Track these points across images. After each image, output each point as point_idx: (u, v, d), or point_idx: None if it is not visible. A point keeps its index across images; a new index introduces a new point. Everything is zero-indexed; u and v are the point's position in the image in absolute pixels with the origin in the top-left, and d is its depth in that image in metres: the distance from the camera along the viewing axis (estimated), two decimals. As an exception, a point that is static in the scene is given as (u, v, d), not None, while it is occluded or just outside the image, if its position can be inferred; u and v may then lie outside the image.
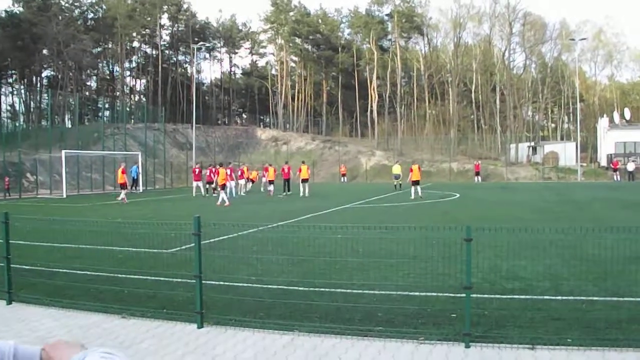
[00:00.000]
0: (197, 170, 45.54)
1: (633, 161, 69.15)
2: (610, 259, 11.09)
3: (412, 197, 36.70)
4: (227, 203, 33.40)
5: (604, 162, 77.19)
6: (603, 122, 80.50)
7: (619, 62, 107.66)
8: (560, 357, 6.60)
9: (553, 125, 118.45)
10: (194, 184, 45.56)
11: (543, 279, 10.66)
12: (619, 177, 66.18)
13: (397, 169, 50.61)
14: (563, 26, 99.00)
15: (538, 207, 28.99)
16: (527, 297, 9.47)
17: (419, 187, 37.47)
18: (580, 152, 75.30)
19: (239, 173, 46.90)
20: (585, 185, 57.10)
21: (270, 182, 44.46)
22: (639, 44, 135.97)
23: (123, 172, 38.11)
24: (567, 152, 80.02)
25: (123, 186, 37.14)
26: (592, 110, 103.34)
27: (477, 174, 69.36)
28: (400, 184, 48.82)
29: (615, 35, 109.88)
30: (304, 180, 42.07)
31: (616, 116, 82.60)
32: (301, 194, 40.21)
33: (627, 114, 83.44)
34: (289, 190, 43.64)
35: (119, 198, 36.60)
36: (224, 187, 35.06)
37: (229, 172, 40.28)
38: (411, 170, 38.44)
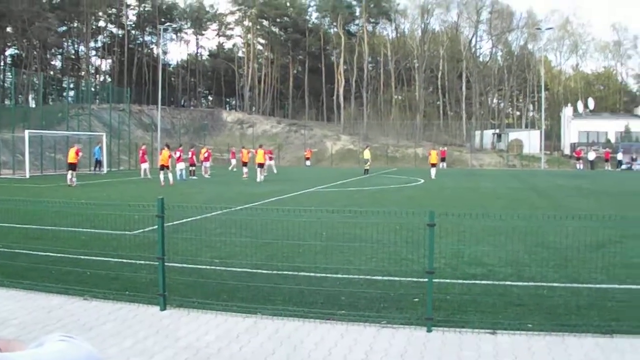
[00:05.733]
0: (141, 152, 44.96)
1: (594, 150, 70.11)
2: (571, 246, 11.24)
3: (433, 177, 43.20)
4: (162, 183, 34.21)
5: (567, 151, 78.20)
6: (567, 111, 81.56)
7: (584, 52, 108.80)
8: (521, 342, 6.67)
9: (518, 113, 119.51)
10: (141, 166, 44.60)
11: (505, 264, 10.75)
12: (581, 165, 67.02)
13: (366, 154, 51.39)
14: (530, 15, 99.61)
15: (501, 194, 29.28)
16: (489, 282, 9.56)
17: (434, 169, 45.19)
18: (545, 140, 76.03)
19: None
20: (548, 173, 57.75)
21: (245, 164, 44.68)
22: (604, 35, 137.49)
23: (77, 153, 36.53)
24: (531, 140, 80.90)
25: (73, 167, 35.55)
26: (556, 99, 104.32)
27: (443, 160, 69.77)
28: (368, 170, 49.17)
29: (581, 25, 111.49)
30: (260, 165, 39.91)
31: (580, 106, 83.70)
32: (258, 179, 38.45)
33: (591, 103, 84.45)
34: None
35: (73, 180, 34.42)
36: (162, 168, 35.29)
37: (178, 154, 40.29)
38: (429, 154, 48.04)
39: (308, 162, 73.68)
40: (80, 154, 37.13)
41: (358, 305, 8.15)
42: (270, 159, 48.60)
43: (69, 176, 34.51)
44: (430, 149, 55.24)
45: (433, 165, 46.08)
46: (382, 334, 7.01)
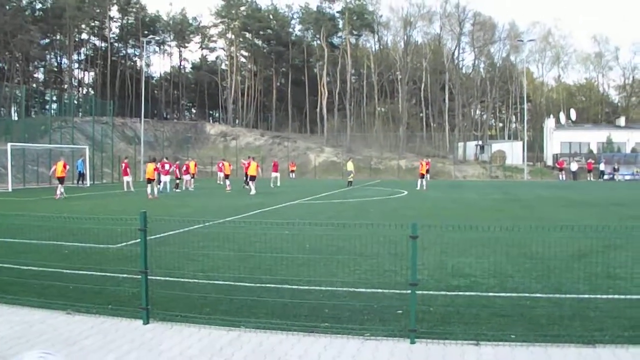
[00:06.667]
0: (123, 165, 44.92)
1: (577, 161, 70.61)
2: (554, 256, 11.28)
3: (418, 188, 45.05)
4: (149, 196, 34.04)
5: (550, 162, 78.62)
6: (549, 122, 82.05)
7: (565, 63, 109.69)
8: (504, 352, 6.67)
9: (501, 124, 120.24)
10: (124, 179, 44.50)
11: (488, 276, 10.75)
12: (564, 176, 67.41)
13: (350, 166, 51.45)
14: (512, 27, 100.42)
15: (484, 205, 29.35)
16: (473, 293, 9.56)
17: (424, 180, 46.76)
18: (527, 151, 76.42)
19: (184, 168, 46.57)
20: (531, 184, 57.95)
21: (227, 176, 44.51)
22: (585, 47, 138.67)
23: (65, 166, 36.51)
24: (514, 151, 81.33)
25: (62, 180, 35.51)
26: (539, 110, 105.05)
27: (427, 171, 69.89)
28: (351, 182, 49.24)
29: (562, 37, 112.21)
30: (252, 178, 39.11)
31: (562, 117, 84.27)
32: (252, 191, 37.98)
33: (573, 114, 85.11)
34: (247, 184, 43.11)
35: (58, 193, 34.36)
36: (149, 181, 35.23)
37: (167, 167, 40.34)
38: (421, 165, 49.35)
39: (292, 174, 73.75)
40: (67, 167, 37.20)
41: (341, 317, 8.13)
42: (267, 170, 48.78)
43: (60, 189, 34.65)
44: (420, 160, 57.58)
45: (422, 175, 47.57)
46: (366, 346, 7.00)
